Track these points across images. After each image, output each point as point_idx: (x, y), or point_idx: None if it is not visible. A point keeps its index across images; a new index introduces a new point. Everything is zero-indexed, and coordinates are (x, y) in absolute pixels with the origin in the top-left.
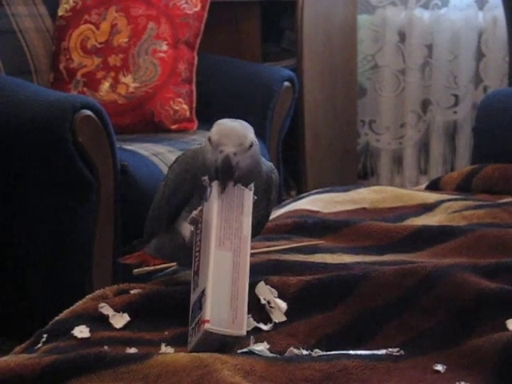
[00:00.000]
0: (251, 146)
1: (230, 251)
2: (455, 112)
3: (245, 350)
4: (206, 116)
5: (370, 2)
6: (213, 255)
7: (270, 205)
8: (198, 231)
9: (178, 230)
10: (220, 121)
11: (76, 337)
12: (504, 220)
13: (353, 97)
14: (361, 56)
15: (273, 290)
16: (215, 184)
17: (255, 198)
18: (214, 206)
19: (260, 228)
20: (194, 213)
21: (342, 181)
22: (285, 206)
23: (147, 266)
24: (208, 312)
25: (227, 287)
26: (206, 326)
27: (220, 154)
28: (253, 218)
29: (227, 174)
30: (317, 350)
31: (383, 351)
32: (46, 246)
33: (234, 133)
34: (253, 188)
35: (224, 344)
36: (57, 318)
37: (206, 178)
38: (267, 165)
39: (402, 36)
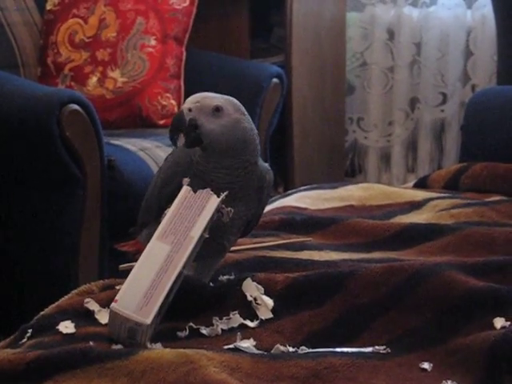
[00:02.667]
0: (217, 110)
1: (170, 245)
2: (443, 110)
3: (231, 346)
4: None
5: (359, 0)
6: (151, 244)
7: (261, 205)
8: None
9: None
10: None
11: (61, 332)
12: (491, 218)
13: (341, 94)
14: (349, 53)
15: (259, 286)
16: (186, 186)
17: (231, 210)
18: (174, 202)
19: (250, 227)
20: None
21: (329, 178)
22: (272, 202)
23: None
24: (120, 293)
25: (150, 276)
26: (113, 305)
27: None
28: (243, 216)
29: (175, 126)
30: (303, 348)
31: (370, 349)
32: (32, 240)
33: (200, 93)
34: (222, 196)
35: (132, 332)
36: (42, 313)
37: (187, 179)
38: (263, 165)
39: (391, 34)
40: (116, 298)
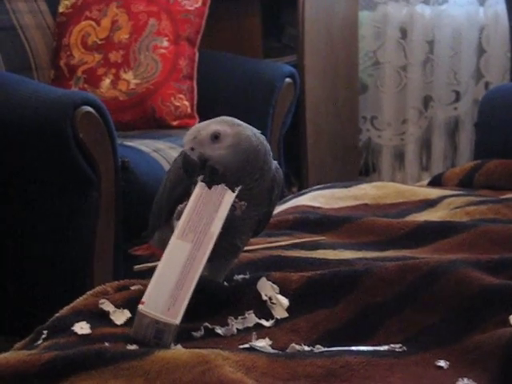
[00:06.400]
0: (216, 137)
1: (191, 243)
2: (456, 108)
3: (246, 346)
4: (207, 112)
5: None
6: (171, 244)
7: (271, 204)
8: None
9: (173, 223)
10: None
11: (76, 333)
12: (506, 216)
13: (354, 93)
14: (362, 52)
15: (274, 285)
16: (200, 183)
17: (244, 204)
18: (190, 200)
19: (262, 227)
20: (180, 206)
21: (343, 177)
22: (286, 201)
23: (155, 258)
24: (147, 294)
25: (174, 276)
26: (140, 306)
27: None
28: (255, 216)
29: (188, 170)
30: (319, 346)
31: (385, 347)
32: (47, 242)
33: (192, 129)
34: (237, 190)
35: (159, 333)
36: (57, 314)
37: (200, 177)
38: (273, 164)
39: (404, 32)
40: (142, 299)
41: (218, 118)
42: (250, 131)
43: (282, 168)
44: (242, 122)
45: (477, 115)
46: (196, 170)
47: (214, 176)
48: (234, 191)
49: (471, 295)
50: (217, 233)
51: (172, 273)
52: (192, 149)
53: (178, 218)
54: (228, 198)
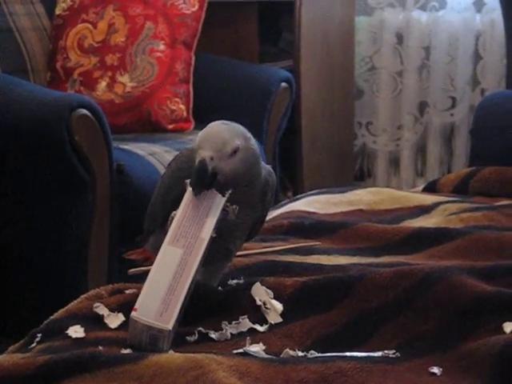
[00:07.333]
0: (235, 152)
1: (182, 249)
2: (452, 114)
3: (240, 350)
4: (203, 116)
5: (368, 4)
6: (163, 249)
7: (264, 208)
8: None
9: (167, 229)
10: (212, 123)
11: (70, 337)
12: (501, 223)
13: (350, 98)
14: (358, 57)
15: (269, 290)
16: (190, 188)
17: (236, 208)
18: (181, 205)
19: (255, 231)
20: (174, 212)
21: (338, 182)
22: (281, 206)
23: (150, 262)
24: (139, 301)
25: (166, 281)
26: (133, 313)
27: (197, 159)
28: (248, 220)
29: (200, 179)
30: (312, 352)
31: (379, 353)
32: (41, 245)
33: (215, 137)
34: (227, 194)
35: (153, 339)
36: (51, 317)
37: (188, 181)
38: (265, 168)
39: (400, 38)
40: (135, 306)
41: (236, 125)
42: (253, 145)
43: (277, 173)
44: (248, 133)
45: (472, 122)
46: (206, 181)
47: (215, 185)
48: (224, 195)
49: (465, 302)
50: (208, 238)
51: (164, 279)
52: (211, 158)
53: (171, 224)
54: (218, 202)
